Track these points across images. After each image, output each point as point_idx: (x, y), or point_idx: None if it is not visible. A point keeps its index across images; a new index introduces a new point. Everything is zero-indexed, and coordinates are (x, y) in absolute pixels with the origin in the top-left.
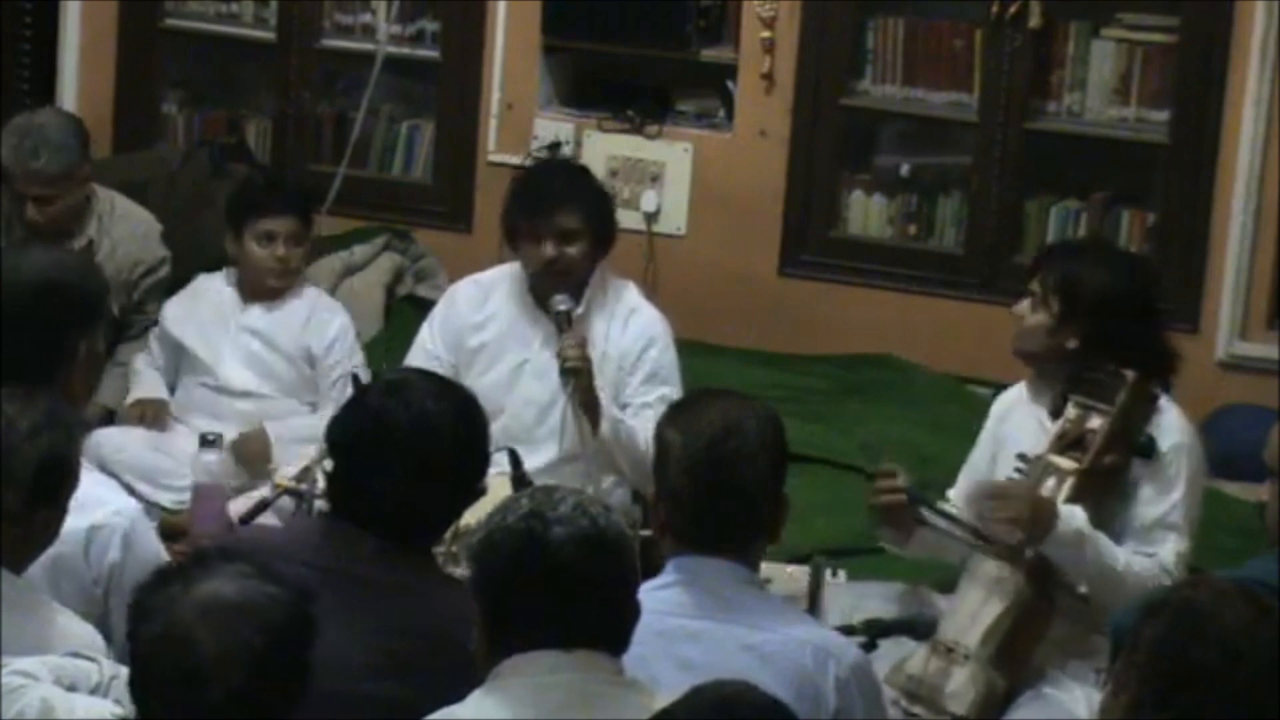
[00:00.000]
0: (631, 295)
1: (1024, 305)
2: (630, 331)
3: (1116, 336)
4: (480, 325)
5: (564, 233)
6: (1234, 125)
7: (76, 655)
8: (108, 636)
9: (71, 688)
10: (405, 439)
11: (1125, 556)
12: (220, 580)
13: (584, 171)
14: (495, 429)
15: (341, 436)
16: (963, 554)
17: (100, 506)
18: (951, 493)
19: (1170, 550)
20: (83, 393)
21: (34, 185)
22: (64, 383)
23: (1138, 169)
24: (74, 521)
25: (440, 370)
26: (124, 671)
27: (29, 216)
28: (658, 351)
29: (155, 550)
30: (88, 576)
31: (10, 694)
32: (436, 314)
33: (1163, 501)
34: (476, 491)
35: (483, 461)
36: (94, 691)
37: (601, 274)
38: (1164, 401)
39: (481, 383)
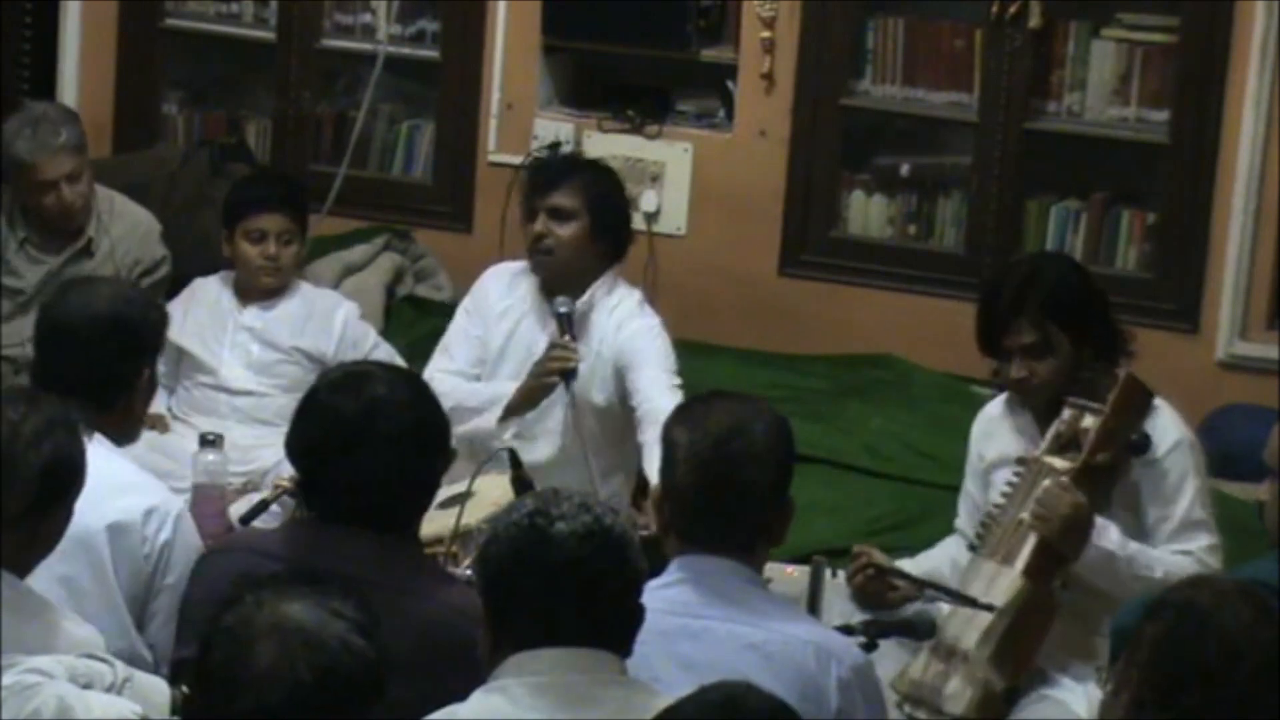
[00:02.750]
0: (631, 302)
1: (1021, 365)
2: (624, 333)
3: (1104, 312)
4: (502, 314)
5: (556, 210)
6: (1234, 125)
7: (90, 656)
8: (142, 623)
9: (87, 686)
10: (363, 430)
11: (1163, 566)
12: (310, 607)
13: (599, 165)
14: None
15: (303, 443)
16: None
17: (152, 490)
18: (958, 522)
19: (1205, 544)
20: (142, 414)
21: (66, 163)
22: (126, 406)
23: (1138, 169)
24: (131, 501)
25: (474, 349)
26: (137, 674)
27: (66, 200)
28: (650, 348)
29: (196, 541)
30: (141, 551)
31: (25, 691)
32: (469, 296)
33: (1181, 500)
34: (448, 458)
35: (444, 428)
36: (108, 691)
37: (611, 276)
38: (1158, 402)
39: (500, 389)
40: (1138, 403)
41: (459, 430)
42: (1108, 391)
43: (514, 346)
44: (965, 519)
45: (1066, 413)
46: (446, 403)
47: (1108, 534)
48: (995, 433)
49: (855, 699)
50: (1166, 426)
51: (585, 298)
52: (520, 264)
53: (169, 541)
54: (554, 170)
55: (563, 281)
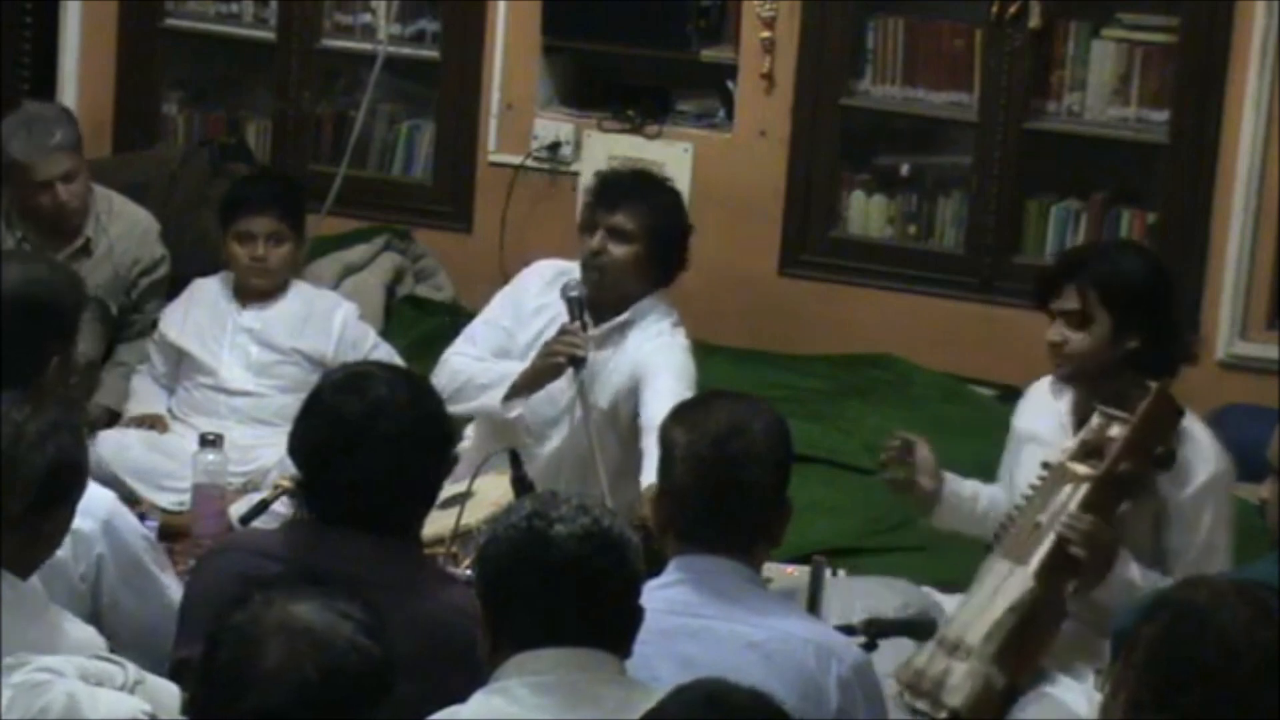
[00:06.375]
0: (666, 322)
1: (1058, 329)
2: (646, 347)
3: (1166, 319)
4: (536, 310)
5: (617, 230)
6: (1234, 125)
7: (100, 658)
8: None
9: (98, 685)
10: (368, 431)
11: None
12: (318, 608)
13: (669, 190)
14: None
15: (306, 443)
16: (983, 528)
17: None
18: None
19: None
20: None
21: (62, 162)
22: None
23: (1138, 169)
24: None
25: (498, 338)
26: (149, 677)
27: (61, 199)
28: (668, 361)
29: (137, 532)
30: (75, 573)
31: (35, 689)
32: (510, 285)
33: (1202, 533)
34: (451, 461)
35: (446, 430)
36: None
37: (658, 297)
38: (1193, 423)
39: (511, 368)
40: (1166, 416)
41: (468, 406)
42: (1138, 403)
43: (540, 344)
44: (1002, 478)
45: (1095, 420)
46: (459, 379)
47: (1129, 565)
48: (1033, 409)
49: (855, 697)
50: (1204, 458)
51: (627, 314)
52: (566, 263)
53: (104, 555)
54: (620, 189)
55: (609, 296)
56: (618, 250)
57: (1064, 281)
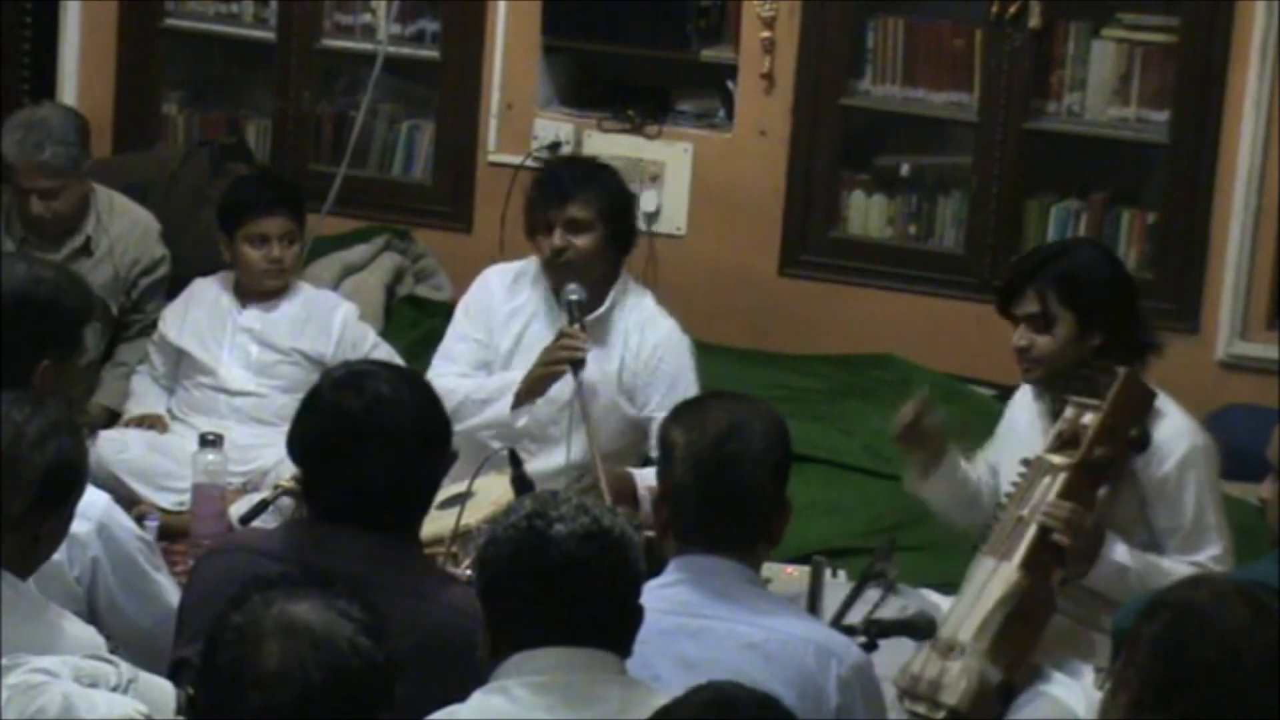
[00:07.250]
0: (649, 304)
1: (1023, 334)
2: (648, 341)
3: (1128, 311)
4: (510, 315)
5: (574, 222)
6: (1234, 125)
7: (95, 657)
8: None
9: (93, 686)
10: (368, 428)
11: (1173, 579)
12: (318, 608)
13: (604, 168)
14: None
15: (306, 441)
16: (969, 515)
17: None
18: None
19: (1212, 554)
20: None
21: (40, 179)
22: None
23: (1138, 169)
24: None
25: (476, 352)
26: (142, 675)
27: (34, 211)
28: (676, 362)
29: (132, 534)
30: (69, 576)
31: (30, 690)
32: (469, 298)
33: (1189, 510)
34: (449, 459)
35: (446, 430)
36: (113, 692)
37: (625, 278)
38: (1166, 402)
39: (507, 378)
40: (1137, 399)
41: (471, 423)
42: (1108, 389)
43: (524, 348)
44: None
45: (1069, 411)
46: (453, 399)
47: (1116, 547)
48: (1019, 411)
49: (855, 697)
50: (1177, 433)
51: (607, 304)
52: (520, 264)
53: (99, 557)
54: (566, 182)
55: (584, 284)
56: (580, 240)
57: (1022, 286)
